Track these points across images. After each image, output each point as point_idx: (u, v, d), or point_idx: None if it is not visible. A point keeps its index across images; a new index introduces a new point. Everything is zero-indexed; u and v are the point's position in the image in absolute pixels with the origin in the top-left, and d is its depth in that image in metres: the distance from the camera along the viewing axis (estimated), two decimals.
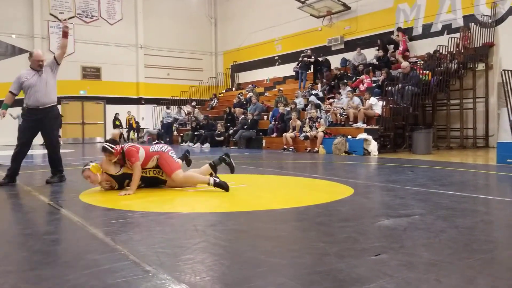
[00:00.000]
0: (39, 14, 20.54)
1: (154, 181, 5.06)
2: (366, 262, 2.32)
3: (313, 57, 17.09)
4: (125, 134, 21.91)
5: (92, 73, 22.13)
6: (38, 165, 9.04)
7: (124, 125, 21.88)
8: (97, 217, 3.56)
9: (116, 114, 21.58)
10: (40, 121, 5.62)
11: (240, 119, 15.73)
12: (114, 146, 4.82)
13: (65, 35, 5.70)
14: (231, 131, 15.45)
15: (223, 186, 4.76)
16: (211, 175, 5.08)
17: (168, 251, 2.58)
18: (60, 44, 5.78)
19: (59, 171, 5.85)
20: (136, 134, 21.91)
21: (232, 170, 5.47)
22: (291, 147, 12.66)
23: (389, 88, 11.97)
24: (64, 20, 5.67)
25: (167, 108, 20.35)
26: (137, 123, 22.13)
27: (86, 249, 2.60)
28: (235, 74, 24.02)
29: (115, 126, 21.52)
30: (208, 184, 4.85)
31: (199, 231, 3.05)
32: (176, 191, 4.89)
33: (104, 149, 4.82)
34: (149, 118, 22.62)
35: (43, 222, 3.49)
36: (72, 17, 21.43)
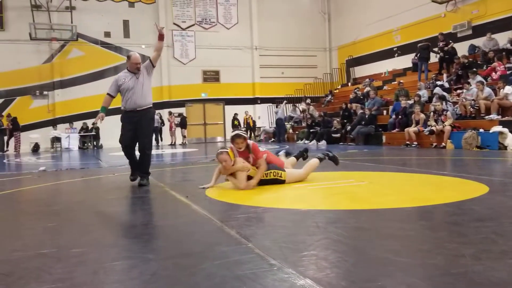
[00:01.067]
0: (165, 24, 22.26)
1: (273, 182, 5.13)
2: (507, 266, 2.11)
3: (450, 42, 15.57)
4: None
5: (211, 76, 23.40)
6: (168, 163, 9.81)
7: (242, 124, 22.77)
8: (223, 212, 3.74)
9: (235, 114, 22.52)
10: (137, 123, 5.63)
11: (357, 114, 15.34)
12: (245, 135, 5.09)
13: (161, 38, 5.69)
14: (348, 128, 15.15)
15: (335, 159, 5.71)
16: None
17: (291, 246, 2.61)
18: (156, 46, 5.85)
19: (147, 173, 5.78)
20: (253, 133, 22.66)
21: (336, 163, 5.94)
22: (414, 143, 11.99)
23: None
24: (162, 28, 5.71)
25: (277, 106, 20.71)
26: (254, 122, 22.88)
27: (215, 241, 2.75)
28: (350, 68, 23.51)
29: (233, 126, 22.49)
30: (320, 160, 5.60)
31: (321, 227, 3.04)
32: (294, 189, 4.94)
33: (239, 135, 5.03)
34: (265, 117, 23.23)
35: (176, 215, 3.78)
36: (193, 24, 22.90)
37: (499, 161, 7.70)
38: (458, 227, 2.94)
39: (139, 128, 5.62)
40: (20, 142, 18.47)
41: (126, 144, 5.66)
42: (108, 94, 5.70)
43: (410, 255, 2.36)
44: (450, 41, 15.59)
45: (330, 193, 4.61)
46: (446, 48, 15.37)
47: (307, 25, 24.55)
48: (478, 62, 14.61)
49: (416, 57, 16.53)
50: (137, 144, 5.77)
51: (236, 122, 22.56)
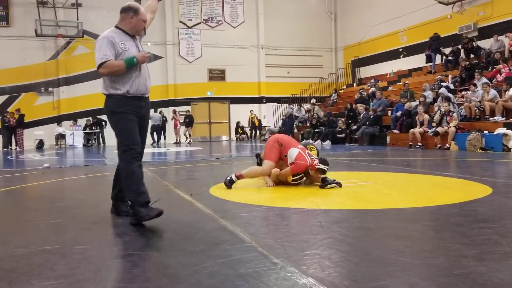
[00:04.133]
0: (171, 22, 22.34)
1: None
2: (510, 267, 2.12)
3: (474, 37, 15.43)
4: (248, 133, 22.82)
5: (217, 75, 23.40)
6: (173, 162, 9.83)
7: (247, 123, 22.79)
8: (226, 210, 3.75)
9: (238, 122, 22.63)
10: (142, 118, 3.69)
11: (362, 115, 15.31)
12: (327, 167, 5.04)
13: None
14: (353, 128, 15.12)
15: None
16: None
17: (294, 245, 2.62)
18: (152, 7, 4.16)
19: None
20: (258, 132, 22.68)
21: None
22: (419, 144, 11.96)
23: None
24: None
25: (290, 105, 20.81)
26: (259, 121, 22.88)
27: (218, 240, 2.76)
28: (356, 69, 23.45)
29: (237, 132, 22.55)
30: None
31: (324, 227, 3.04)
32: (298, 188, 4.94)
33: (323, 171, 4.98)
34: (270, 116, 23.22)
35: (180, 213, 3.79)
36: (199, 23, 22.92)
37: (503, 163, 7.66)
38: (461, 228, 2.93)
39: (143, 125, 3.70)
40: (23, 139, 18.56)
41: (140, 148, 3.59)
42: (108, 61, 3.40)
43: (413, 255, 2.36)
44: (473, 38, 15.71)
45: (335, 192, 4.61)
46: (469, 46, 15.32)
47: (313, 25, 24.51)
48: (483, 63, 14.54)
49: (429, 50, 16.76)
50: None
51: (240, 130, 22.53)
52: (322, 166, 4.92)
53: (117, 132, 3.54)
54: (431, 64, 17.20)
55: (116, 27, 3.62)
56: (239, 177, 5.11)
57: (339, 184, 4.81)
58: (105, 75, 3.45)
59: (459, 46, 15.78)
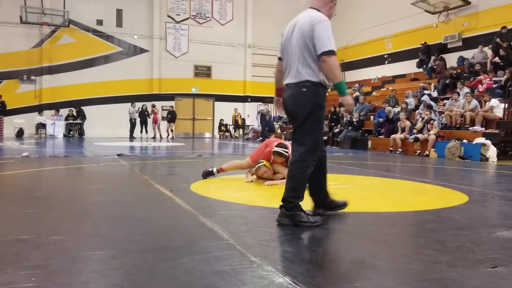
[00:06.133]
0: (158, 16, 22.17)
1: None
2: (481, 274, 2.16)
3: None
4: (232, 131, 22.80)
5: (203, 72, 23.32)
6: (154, 157, 9.77)
7: (231, 121, 22.76)
8: (206, 207, 3.75)
9: (221, 120, 22.70)
10: None
11: (345, 118, 15.44)
12: (287, 150, 5.06)
13: None
14: (335, 131, 15.24)
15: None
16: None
17: (272, 244, 2.64)
18: None
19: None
20: (242, 131, 22.67)
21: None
22: (399, 149, 12.12)
23: None
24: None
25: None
26: (243, 120, 22.87)
27: (197, 236, 2.76)
28: (341, 73, 23.61)
29: (220, 130, 22.53)
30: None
31: (303, 228, 3.06)
32: (280, 188, 4.96)
33: (280, 154, 5.10)
34: (254, 115, 23.25)
35: (160, 208, 3.77)
36: (187, 18, 22.80)
37: (480, 172, 7.82)
38: (436, 234, 2.99)
39: None
40: (3, 126, 18.20)
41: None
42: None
43: (389, 259, 2.40)
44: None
45: None
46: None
47: None
48: (464, 73, 14.82)
49: (424, 55, 17.23)
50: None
51: (223, 128, 22.51)
52: (278, 149, 5.08)
53: (313, 131, 3.09)
54: (421, 70, 17.54)
55: (315, 9, 3.24)
56: (219, 170, 5.48)
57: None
58: (325, 67, 3.00)
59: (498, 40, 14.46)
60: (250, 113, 23.69)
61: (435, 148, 11.03)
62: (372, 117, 15.21)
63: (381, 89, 18.38)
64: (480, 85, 13.12)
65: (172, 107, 21.74)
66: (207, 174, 5.46)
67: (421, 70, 17.59)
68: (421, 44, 17.35)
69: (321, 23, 3.04)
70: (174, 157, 9.30)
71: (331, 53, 2.97)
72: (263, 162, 5.28)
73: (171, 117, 21.07)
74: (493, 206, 4.28)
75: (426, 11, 17.39)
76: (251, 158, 5.48)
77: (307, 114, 3.05)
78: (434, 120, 11.65)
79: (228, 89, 23.56)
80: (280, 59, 3.35)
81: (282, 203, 3.14)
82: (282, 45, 3.29)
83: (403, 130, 12.39)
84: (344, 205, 3.56)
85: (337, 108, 16.73)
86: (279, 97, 3.44)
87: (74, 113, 20.16)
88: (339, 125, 15.66)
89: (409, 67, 18.44)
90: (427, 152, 11.17)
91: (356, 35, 22.08)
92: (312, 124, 3.07)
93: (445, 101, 13.11)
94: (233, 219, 3.31)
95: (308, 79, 3.03)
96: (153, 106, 21.13)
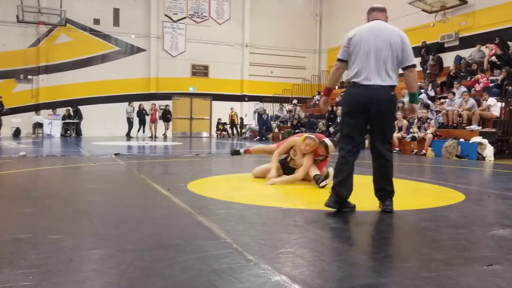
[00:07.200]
0: (156, 15, 22.14)
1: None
2: (476, 272, 2.18)
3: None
4: (229, 130, 22.81)
5: (200, 71, 23.30)
6: (151, 156, 9.76)
7: (227, 121, 22.76)
8: (203, 206, 3.75)
9: (219, 119, 22.71)
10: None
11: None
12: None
13: None
14: (332, 130, 15.25)
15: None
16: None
17: (269, 243, 2.64)
18: None
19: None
20: (239, 130, 22.67)
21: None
22: (396, 148, 12.14)
23: (510, 88, 10.91)
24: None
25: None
26: (241, 119, 22.86)
27: (194, 235, 2.77)
28: None
29: (218, 129, 22.52)
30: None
31: (300, 226, 3.07)
32: (276, 187, 4.97)
33: (327, 146, 5.05)
34: (251, 114, 23.24)
35: (157, 207, 3.77)
36: (185, 17, 22.78)
37: (476, 171, 7.85)
38: (432, 232, 3.01)
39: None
40: (0, 125, 18.16)
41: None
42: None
43: (385, 257, 2.41)
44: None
45: (311, 192, 4.66)
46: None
47: (298, 26, 24.60)
48: (462, 73, 14.85)
49: (426, 53, 17.10)
50: None
51: (220, 127, 22.52)
52: (328, 141, 5.01)
53: (391, 124, 3.81)
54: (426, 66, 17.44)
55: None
56: (246, 151, 5.74)
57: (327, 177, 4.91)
58: (412, 76, 3.64)
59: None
60: (248, 112, 23.70)
61: (432, 147, 11.05)
62: None
63: None
64: (477, 84, 13.15)
65: (168, 105, 21.74)
66: (235, 153, 5.74)
67: (419, 69, 17.59)
68: (422, 43, 17.19)
69: (407, 39, 3.69)
70: (172, 157, 9.30)
71: (415, 66, 3.65)
72: (313, 136, 5.09)
73: (165, 116, 21.08)
74: (490, 204, 4.30)
75: (423, 10, 17.42)
76: (277, 145, 5.50)
77: (393, 115, 3.74)
78: (431, 119, 11.68)
79: (225, 89, 23.55)
80: (341, 61, 3.80)
81: (391, 196, 3.74)
82: (351, 47, 3.73)
83: (400, 129, 12.41)
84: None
85: (335, 107, 16.75)
86: (329, 97, 4.04)
87: (71, 113, 20.12)
88: (334, 125, 15.66)
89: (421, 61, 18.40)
90: (424, 151, 11.20)
91: None
92: (393, 124, 3.86)
93: (442, 100, 13.13)
94: (230, 218, 3.32)
95: (395, 84, 3.56)
96: (153, 105, 21.15)
